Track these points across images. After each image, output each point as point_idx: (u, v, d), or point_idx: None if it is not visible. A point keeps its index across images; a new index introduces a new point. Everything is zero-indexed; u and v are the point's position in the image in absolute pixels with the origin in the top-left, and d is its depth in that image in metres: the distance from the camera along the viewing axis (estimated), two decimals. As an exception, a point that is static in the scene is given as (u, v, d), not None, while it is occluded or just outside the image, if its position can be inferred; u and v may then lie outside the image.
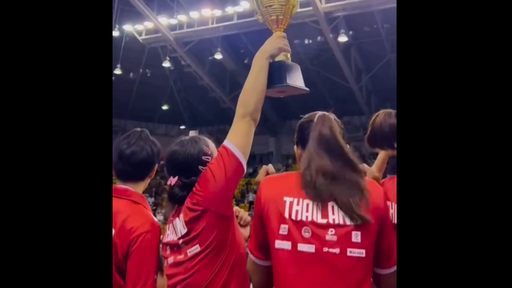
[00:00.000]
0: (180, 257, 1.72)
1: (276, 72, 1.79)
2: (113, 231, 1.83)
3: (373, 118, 1.89)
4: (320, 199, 1.55)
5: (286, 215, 1.57)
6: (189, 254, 1.69)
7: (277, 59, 1.84)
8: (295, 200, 1.59)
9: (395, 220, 1.67)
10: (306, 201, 1.57)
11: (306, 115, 1.78)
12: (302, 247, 1.53)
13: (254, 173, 22.22)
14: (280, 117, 22.06)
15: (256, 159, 22.12)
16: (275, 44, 1.83)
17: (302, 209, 1.56)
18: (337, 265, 1.51)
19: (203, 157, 1.81)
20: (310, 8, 14.77)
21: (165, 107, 23.62)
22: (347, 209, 1.52)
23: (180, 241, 1.71)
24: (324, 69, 18.46)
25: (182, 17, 16.99)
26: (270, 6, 1.87)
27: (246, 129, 1.72)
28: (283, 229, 1.56)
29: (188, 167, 1.79)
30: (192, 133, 1.97)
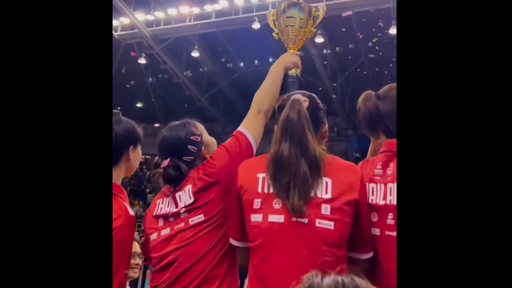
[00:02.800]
0: (179, 226, 1.80)
1: (290, 84, 2.12)
2: None
3: (357, 108, 1.92)
4: (281, 185, 1.61)
5: (259, 189, 1.65)
6: (191, 223, 1.78)
7: (290, 72, 2.15)
8: (267, 175, 1.66)
9: (368, 199, 1.71)
10: None
11: (285, 96, 1.86)
12: (272, 217, 1.60)
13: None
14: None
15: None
16: (292, 59, 2.17)
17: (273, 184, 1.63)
18: (306, 235, 1.56)
19: (191, 138, 1.94)
20: (288, 8, 14.78)
21: (139, 105, 23.36)
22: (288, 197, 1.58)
23: (183, 209, 1.80)
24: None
25: (159, 14, 16.82)
26: (292, 26, 2.19)
27: (259, 123, 1.97)
28: (256, 203, 1.63)
29: (179, 148, 1.92)
30: (174, 123, 2.05)
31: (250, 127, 1.94)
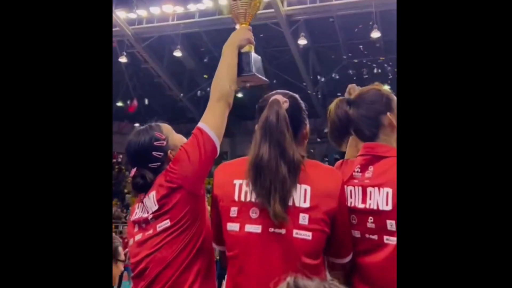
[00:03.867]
0: (149, 232, 1.76)
1: (244, 62, 1.92)
2: None
3: (328, 114, 1.88)
4: (262, 189, 1.56)
5: (236, 197, 1.61)
6: (158, 229, 1.73)
7: (243, 50, 1.95)
8: (244, 181, 1.61)
9: (349, 203, 1.69)
10: None
11: (265, 96, 1.79)
12: (249, 227, 1.56)
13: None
14: (236, 118, 22.08)
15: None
16: (244, 35, 1.95)
17: (251, 190, 1.59)
18: (284, 246, 1.53)
19: (155, 143, 1.86)
20: (272, 10, 14.89)
21: (119, 104, 23.15)
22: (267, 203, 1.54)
23: (150, 216, 1.76)
24: (282, 71, 18.61)
25: (142, 12, 16.70)
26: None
27: (221, 112, 1.80)
28: (233, 211, 1.60)
29: (142, 156, 1.85)
30: (140, 127, 1.99)
31: (210, 120, 1.77)
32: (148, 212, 1.77)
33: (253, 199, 1.58)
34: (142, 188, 1.82)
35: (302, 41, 16.04)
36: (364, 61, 17.79)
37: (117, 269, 2.68)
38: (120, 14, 16.49)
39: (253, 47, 2.00)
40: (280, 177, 1.54)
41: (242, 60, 1.92)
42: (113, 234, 3.87)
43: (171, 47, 17.86)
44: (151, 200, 1.76)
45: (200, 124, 1.76)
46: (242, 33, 1.96)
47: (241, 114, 22.05)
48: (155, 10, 16.46)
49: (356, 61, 17.91)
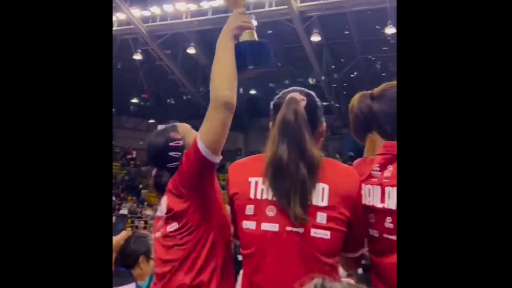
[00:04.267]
0: (162, 231, 1.79)
1: (239, 56, 1.68)
2: None
3: (350, 108, 1.80)
4: (282, 191, 1.53)
5: (252, 195, 1.58)
6: (168, 231, 1.75)
7: (243, 38, 1.74)
8: (260, 179, 1.58)
9: (364, 201, 1.64)
10: None
11: (281, 93, 1.74)
12: (266, 226, 1.53)
13: (221, 169, 22.08)
14: (250, 114, 22.05)
15: (224, 155, 21.86)
16: (234, 23, 1.70)
17: (268, 189, 1.56)
18: (301, 245, 1.50)
19: (171, 144, 1.86)
20: (285, 6, 14.84)
21: (134, 100, 23.30)
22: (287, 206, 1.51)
23: (164, 217, 1.79)
24: (296, 68, 18.56)
25: (155, 10, 16.78)
26: None
27: (218, 120, 1.62)
28: (249, 209, 1.57)
29: (160, 157, 1.87)
30: (160, 128, 2.00)
31: (204, 134, 1.63)
32: (162, 213, 1.81)
33: (269, 197, 1.55)
34: (162, 188, 1.85)
35: (316, 38, 15.95)
36: (378, 57, 17.66)
37: (149, 266, 2.76)
38: (134, 12, 16.60)
39: (254, 32, 1.77)
40: (300, 178, 1.51)
41: (237, 53, 1.68)
42: (147, 232, 3.96)
43: (185, 44, 17.90)
44: (163, 204, 1.81)
45: (197, 138, 1.65)
46: (233, 20, 1.71)
47: (254, 111, 22.05)
48: (168, 7, 16.52)
49: (370, 57, 17.78)
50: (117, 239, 2.68)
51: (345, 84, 19.37)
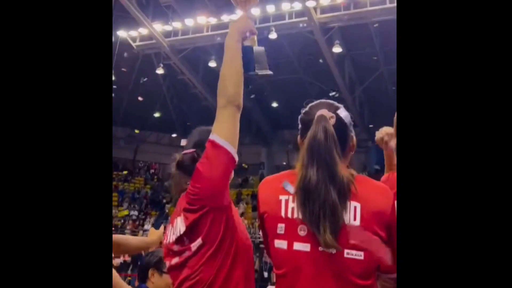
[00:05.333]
0: (185, 254, 1.70)
1: (246, 59, 1.76)
2: None
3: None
4: (311, 216, 1.49)
5: (282, 214, 1.55)
6: (193, 249, 1.67)
7: (246, 43, 1.80)
8: (290, 197, 1.55)
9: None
10: None
11: (308, 107, 1.72)
12: (298, 245, 1.50)
13: (244, 184, 22.20)
14: (272, 127, 22.11)
15: (248, 170, 22.07)
16: (246, 26, 1.78)
17: (298, 210, 1.52)
18: (335, 266, 1.47)
19: None
20: (305, 18, 14.85)
21: (157, 115, 23.53)
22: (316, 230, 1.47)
23: (184, 238, 1.70)
24: (318, 80, 18.51)
25: (177, 24, 16.98)
26: None
27: (230, 118, 1.66)
28: (280, 228, 1.54)
29: (203, 142, 1.76)
30: (183, 142, 1.97)
31: (219, 129, 1.65)
32: (180, 233, 1.72)
33: (300, 216, 1.51)
34: (184, 168, 1.80)
35: (337, 49, 15.91)
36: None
37: (162, 280, 2.70)
38: (156, 27, 16.83)
39: (255, 38, 1.85)
40: (330, 203, 1.47)
41: (244, 57, 1.75)
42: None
43: (206, 57, 18.06)
44: (179, 224, 1.72)
45: (211, 136, 1.65)
46: (242, 23, 1.79)
47: (276, 124, 22.13)
48: (189, 21, 16.71)
49: (393, 67, 17.61)
50: (158, 233, 2.56)
51: (368, 96, 19.23)
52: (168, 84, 21.65)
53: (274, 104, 20.88)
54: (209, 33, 16.88)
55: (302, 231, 1.50)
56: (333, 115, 1.62)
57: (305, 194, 1.50)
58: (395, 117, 1.83)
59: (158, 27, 16.98)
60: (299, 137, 1.68)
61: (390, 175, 1.85)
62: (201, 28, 17.00)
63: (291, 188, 1.56)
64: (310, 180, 1.50)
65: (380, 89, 18.19)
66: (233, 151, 1.64)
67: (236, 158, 1.66)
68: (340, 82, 17.38)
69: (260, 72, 1.81)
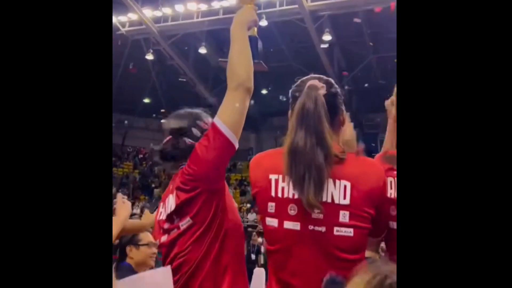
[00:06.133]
0: (173, 232, 1.73)
1: (251, 47, 1.77)
2: None
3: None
4: (296, 177, 1.50)
5: (273, 193, 1.56)
6: (182, 228, 1.70)
7: (249, 33, 1.82)
8: (280, 177, 1.56)
9: (393, 194, 1.63)
10: None
11: (299, 81, 1.73)
12: (288, 224, 1.52)
13: (233, 169, 22.21)
14: (262, 114, 22.02)
15: (236, 154, 21.83)
16: (251, 16, 1.81)
17: (289, 186, 1.54)
18: (324, 243, 1.49)
19: (197, 121, 1.89)
20: (296, 6, 14.81)
21: (146, 100, 23.38)
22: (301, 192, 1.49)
23: (173, 216, 1.73)
24: (307, 67, 18.50)
25: (167, 10, 16.83)
26: None
27: (239, 101, 1.66)
28: (271, 207, 1.56)
29: (181, 129, 1.86)
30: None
31: (225, 114, 1.66)
32: (170, 210, 1.74)
33: (290, 196, 1.53)
34: (169, 158, 1.84)
35: (327, 37, 15.90)
36: (389, 57, 17.55)
37: (140, 253, 2.78)
38: (146, 12, 16.66)
39: (256, 29, 1.89)
40: (316, 165, 1.47)
41: (249, 45, 1.77)
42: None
43: (196, 44, 17.95)
44: (170, 202, 1.75)
45: (215, 120, 1.66)
46: (249, 12, 1.81)
47: (266, 111, 22.02)
48: (179, 8, 16.55)
49: (382, 55, 17.66)
50: (152, 217, 2.56)
51: (356, 84, 19.29)
52: (157, 70, 21.46)
53: (264, 91, 20.85)
54: (200, 19, 16.74)
55: (292, 211, 1.52)
56: (324, 85, 1.63)
57: (293, 157, 1.50)
58: (395, 88, 1.81)
59: (148, 12, 16.81)
60: (289, 112, 1.68)
61: (386, 153, 1.84)
62: (191, 14, 16.86)
63: None
64: (298, 144, 1.50)
65: (368, 78, 18.28)
66: (233, 138, 1.64)
67: (236, 145, 1.67)
68: (329, 70, 17.39)
69: (263, 62, 1.87)
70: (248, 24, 1.79)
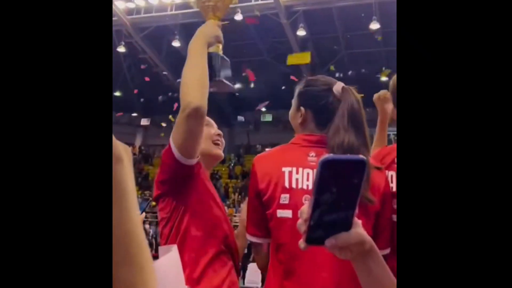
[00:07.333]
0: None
1: (211, 65, 1.68)
2: None
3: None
4: None
5: (287, 184, 1.58)
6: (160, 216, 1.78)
7: (210, 49, 1.72)
8: (294, 169, 1.59)
9: (391, 188, 1.66)
10: (306, 170, 1.58)
11: (308, 80, 1.75)
12: None
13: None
14: (233, 109, 22.10)
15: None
16: (214, 31, 1.73)
17: (303, 178, 1.57)
18: None
19: None
20: (271, 0, 14.84)
21: (117, 94, 23.09)
22: None
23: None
24: (281, 63, 18.60)
25: (140, 2, 16.63)
26: None
27: (188, 128, 1.58)
28: (284, 198, 1.57)
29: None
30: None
31: (175, 135, 1.62)
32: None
33: (304, 187, 1.56)
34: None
35: (301, 32, 16.00)
36: (362, 53, 17.77)
37: None
38: (118, 4, 16.42)
39: (221, 46, 1.78)
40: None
41: (209, 62, 1.67)
42: None
43: (169, 37, 17.81)
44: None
45: (170, 137, 1.66)
46: (210, 28, 1.73)
47: (238, 106, 22.12)
48: (153, 0, 16.38)
49: (354, 51, 17.88)
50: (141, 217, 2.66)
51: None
52: (129, 63, 21.22)
53: (236, 86, 20.88)
54: (173, 12, 16.63)
55: (306, 201, 1.51)
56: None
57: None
58: (391, 81, 1.85)
59: (120, 4, 16.57)
60: (302, 108, 1.68)
61: (381, 150, 1.90)
62: (165, 7, 16.72)
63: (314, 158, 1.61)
64: (348, 142, 1.54)
65: (341, 73, 18.45)
66: (183, 159, 1.63)
67: (192, 163, 1.65)
68: (302, 64, 17.52)
69: (225, 79, 1.78)
70: (208, 39, 1.70)
